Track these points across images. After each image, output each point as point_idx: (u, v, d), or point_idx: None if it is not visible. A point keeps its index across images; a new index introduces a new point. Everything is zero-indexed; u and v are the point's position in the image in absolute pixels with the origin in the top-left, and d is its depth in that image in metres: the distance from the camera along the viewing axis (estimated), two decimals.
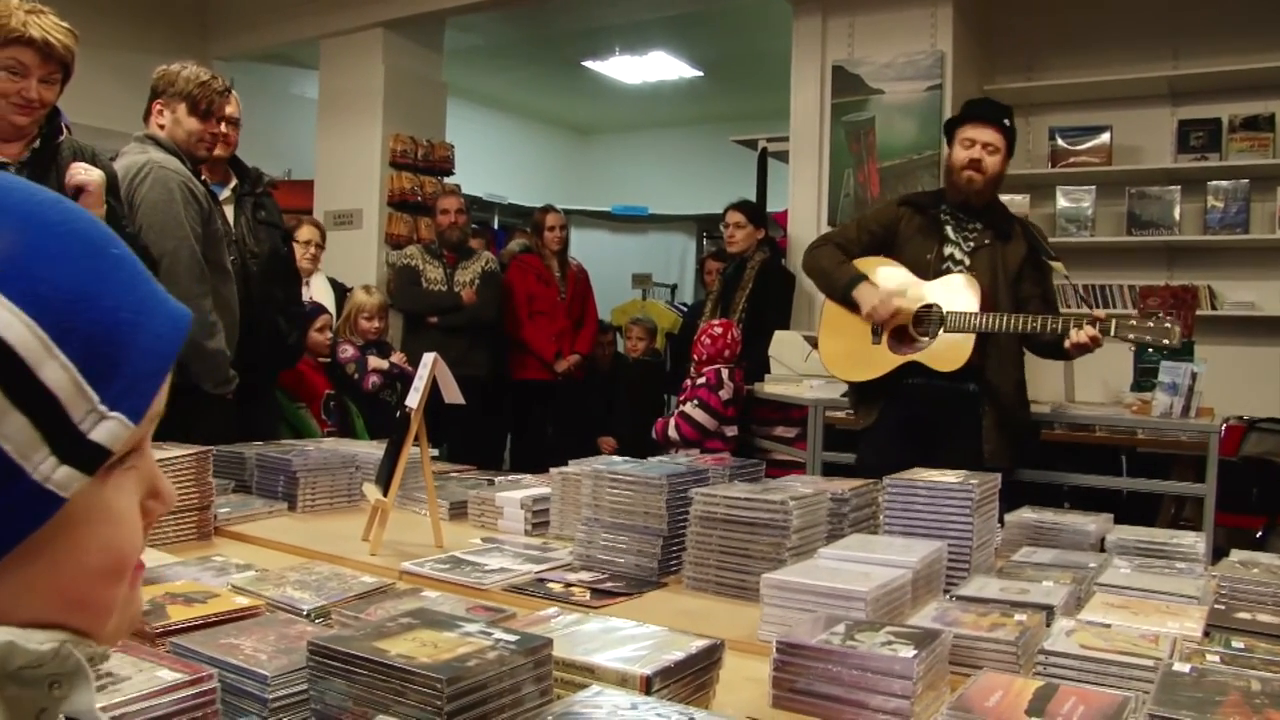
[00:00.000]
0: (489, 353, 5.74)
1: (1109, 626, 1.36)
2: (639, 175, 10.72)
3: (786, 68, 5.82)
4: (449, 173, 7.03)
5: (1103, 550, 1.94)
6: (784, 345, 4.93)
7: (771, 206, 6.47)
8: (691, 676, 1.17)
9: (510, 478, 2.60)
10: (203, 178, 3.33)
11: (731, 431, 4.72)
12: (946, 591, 1.65)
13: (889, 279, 3.34)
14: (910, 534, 1.78)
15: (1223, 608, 1.48)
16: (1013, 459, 3.30)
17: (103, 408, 0.54)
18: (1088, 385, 4.72)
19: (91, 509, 0.56)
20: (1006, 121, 3.34)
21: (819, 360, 3.77)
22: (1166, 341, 3.01)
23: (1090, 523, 2.04)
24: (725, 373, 4.68)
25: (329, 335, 4.70)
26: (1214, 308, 5.18)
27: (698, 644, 1.20)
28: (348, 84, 6.81)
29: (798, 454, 4.53)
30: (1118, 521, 2.12)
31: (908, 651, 1.17)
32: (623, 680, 1.10)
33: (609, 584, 1.74)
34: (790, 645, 1.21)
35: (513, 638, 1.07)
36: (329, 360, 4.73)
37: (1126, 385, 4.33)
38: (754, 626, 1.47)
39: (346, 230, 6.63)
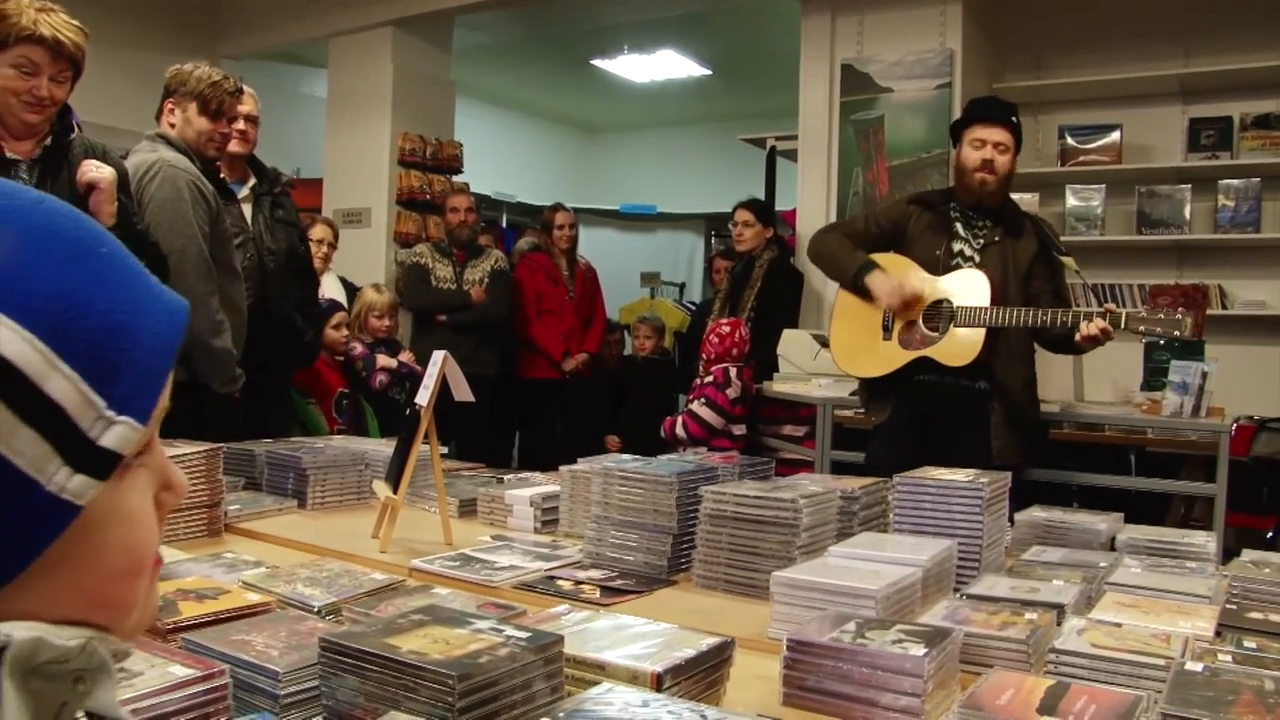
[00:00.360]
0: (498, 351, 5.75)
1: (1120, 626, 1.35)
2: (647, 174, 10.72)
3: (795, 66, 5.82)
4: (457, 171, 7.04)
5: (1113, 549, 1.94)
6: (792, 344, 4.93)
7: (780, 205, 6.46)
8: (702, 674, 1.17)
9: (519, 475, 2.60)
10: (221, 175, 3.35)
11: (739, 430, 4.72)
12: (956, 590, 1.65)
13: (902, 272, 3.33)
14: (920, 532, 1.78)
15: (1234, 607, 1.47)
16: (1022, 456, 3.30)
17: (110, 413, 0.54)
18: (1097, 384, 4.70)
19: (108, 512, 0.56)
20: (1014, 119, 3.34)
21: (827, 359, 3.76)
22: (1177, 333, 3.00)
23: (1101, 522, 2.03)
24: (733, 371, 4.68)
25: (345, 333, 4.70)
26: (1225, 307, 5.16)
27: (708, 641, 1.20)
28: (356, 83, 6.82)
29: (806, 453, 4.53)
30: (1127, 521, 2.11)
31: (918, 650, 1.16)
32: (634, 677, 1.10)
33: (619, 582, 1.74)
34: (801, 643, 1.21)
35: (524, 635, 1.07)
36: (345, 358, 4.72)
37: (1136, 384, 4.32)
38: (764, 624, 1.47)
39: (355, 229, 6.64)
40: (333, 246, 5.11)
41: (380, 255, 6.60)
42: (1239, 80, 5.15)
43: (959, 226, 3.35)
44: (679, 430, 4.67)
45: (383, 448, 2.56)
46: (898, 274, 3.29)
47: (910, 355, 3.27)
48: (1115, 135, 5.46)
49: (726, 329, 4.80)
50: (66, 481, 0.52)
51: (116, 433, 0.54)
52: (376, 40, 6.73)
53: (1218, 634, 1.36)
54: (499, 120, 9.93)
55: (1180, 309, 3.04)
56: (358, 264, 6.19)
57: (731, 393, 4.65)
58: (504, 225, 8.80)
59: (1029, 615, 1.38)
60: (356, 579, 1.58)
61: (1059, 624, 1.39)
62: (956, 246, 3.32)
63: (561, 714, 0.95)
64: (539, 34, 7.93)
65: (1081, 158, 5.53)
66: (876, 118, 5.48)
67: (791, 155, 6.18)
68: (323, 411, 4.23)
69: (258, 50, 7.49)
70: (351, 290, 5.38)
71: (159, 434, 0.62)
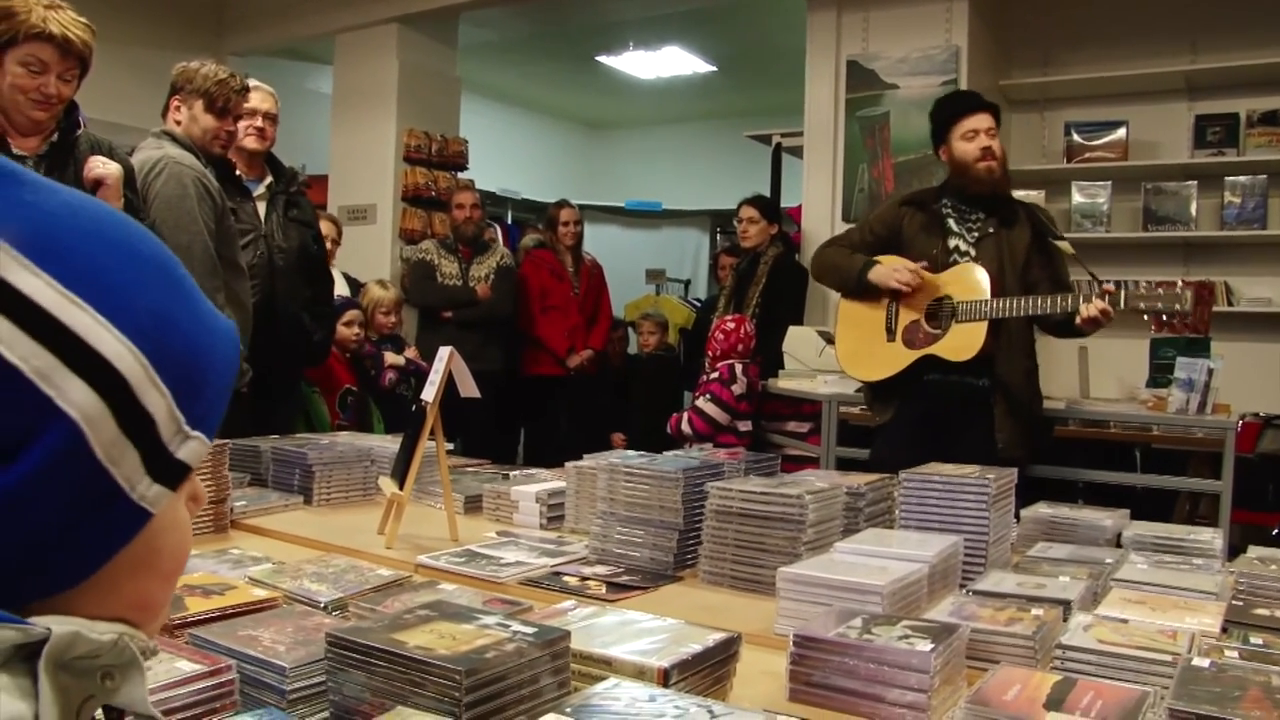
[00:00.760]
0: (503, 348, 5.75)
1: (1126, 622, 1.35)
2: (652, 170, 10.71)
3: (801, 63, 5.81)
4: (463, 168, 7.04)
5: (1119, 546, 1.94)
6: (797, 340, 4.92)
7: (785, 202, 6.45)
8: (709, 669, 1.17)
9: (525, 472, 2.60)
10: (237, 172, 3.35)
11: (745, 426, 4.71)
12: (963, 586, 1.64)
13: None
14: (926, 528, 1.78)
15: (1241, 603, 1.47)
16: (1028, 450, 3.29)
17: (187, 428, 0.57)
18: (1103, 381, 4.70)
19: (165, 519, 0.58)
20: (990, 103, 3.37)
21: (833, 355, 3.76)
22: (1178, 307, 3.01)
23: (1107, 518, 2.03)
24: (739, 368, 4.68)
25: (358, 331, 4.69)
26: (1231, 304, 5.15)
27: (715, 637, 1.21)
28: (362, 79, 6.82)
29: (811, 449, 4.53)
30: (1133, 518, 2.11)
31: (925, 645, 1.16)
32: (640, 673, 1.10)
33: (625, 577, 1.75)
34: (807, 639, 1.21)
35: (530, 630, 1.07)
36: (355, 355, 4.71)
37: (1142, 381, 4.31)
38: (770, 620, 1.47)
39: (361, 225, 6.64)
40: (336, 243, 5.11)
41: (386, 252, 6.60)
42: (1245, 77, 5.13)
43: (951, 223, 3.35)
44: (684, 426, 4.68)
45: (388, 444, 2.57)
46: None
47: (915, 354, 3.27)
48: (1121, 132, 5.45)
49: (731, 325, 4.80)
50: (147, 491, 0.56)
51: (190, 447, 0.58)
52: (382, 37, 6.73)
53: (1224, 630, 1.36)
54: (504, 116, 9.92)
55: (1179, 282, 3.04)
56: (363, 260, 6.19)
57: (737, 389, 4.65)
58: (509, 222, 8.80)
59: (1035, 611, 1.38)
60: (363, 575, 1.58)
61: (1065, 620, 1.39)
62: (952, 243, 3.33)
63: (568, 709, 0.95)
64: (544, 30, 7.92)
65: (1088, 154, 5.51)
66: (882, 114, 5.47)
67: (797, 152, 6.17)
68: (327, 405, 4.23)
69: (263, 47, 7.50)
70: (355, 286, 5.38)
71: None
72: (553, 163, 10.63)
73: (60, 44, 2.40)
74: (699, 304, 7.88)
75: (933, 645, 1.16)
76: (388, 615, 1.17)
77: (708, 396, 4.66)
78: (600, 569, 1.80)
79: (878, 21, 5.52)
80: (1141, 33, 5.40)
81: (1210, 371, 3.59)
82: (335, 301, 4.25)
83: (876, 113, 5.49)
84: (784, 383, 4.75)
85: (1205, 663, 1.15)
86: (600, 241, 7.82)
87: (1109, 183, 5.45)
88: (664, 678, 1.09)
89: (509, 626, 1.08)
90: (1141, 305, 3.04)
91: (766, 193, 6.24)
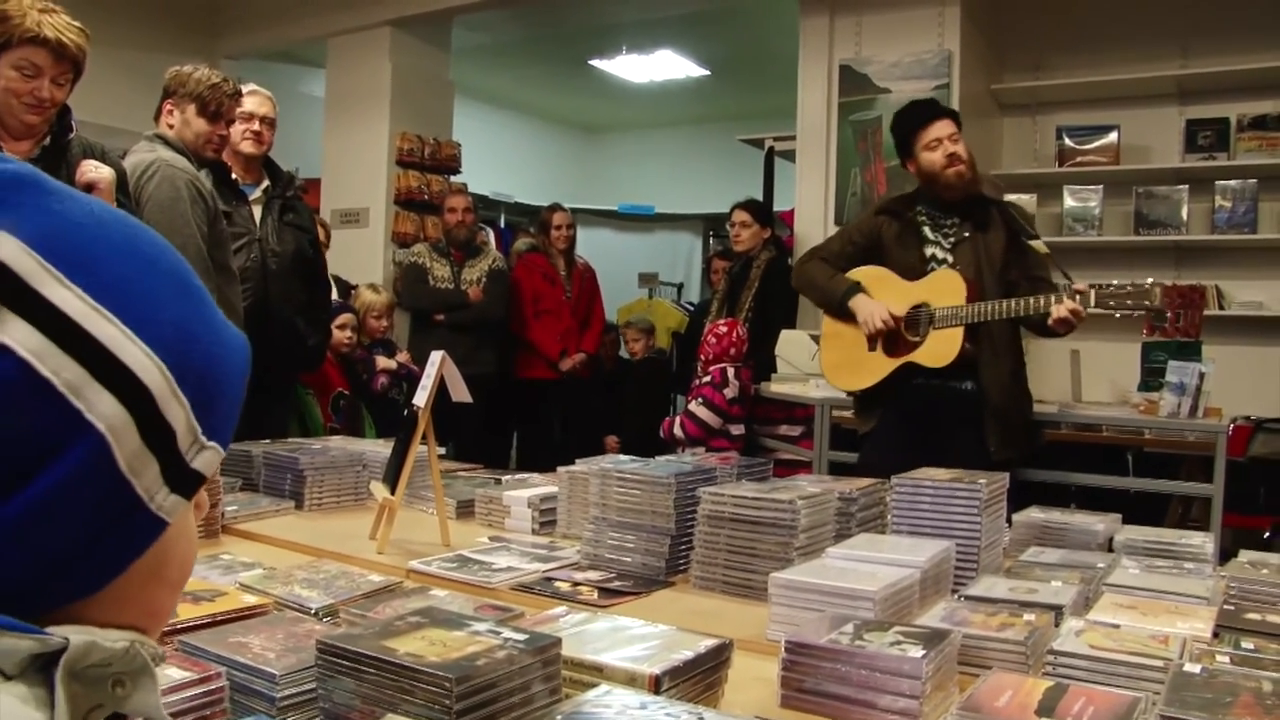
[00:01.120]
0: (495, 351, 5.74)
1: (1118, 627, 1.35)
2: (645, 174, 10.71)
3: (793, 67, 5.81)
4: (455, 171, 7.04)
5: (1111, 550, 1.94)
6: (790, 344, 4.92)
7: (778, 206, 6.46)
8: (700, 676, 1.17)
9: (517, 477, 2.60)
10: (233, 176, 3.34)
11: (737, 430, 4.72)
12: (954, 591, 1.65)
13: (880, 283, 3.34)
14: (918, 534, 1.78)
15: (1232, 608, 1.47)
16: (1018, 452, 3.30)
17: (203, 439, 0.57)
18: (1095, 385, 4.71)
19: (175, 528, 0.59)
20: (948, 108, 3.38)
21: None
22: (1148, 303, 3.01)
23: (1098, 523, 2.03)
24: (731, 371, 4.68)
25: (350, 334, 4.69)
26: (1222, 308, 5.16)
27: (706, 643, 1.20)
28: (355, 83, 6.82)
29: (803, 453, 4.53)
30: (1125, 522, 2.11)
31: (916, 651, 1.16)
32: (631, 679, 1.10)
33: (616, 583, 1.74)
34: (799, 645, 1.21)
35: (521, 637, 1.07)
36: (347, 359, 4.70)
37: (1134, 385, 4.32)
38: (762, 626, 1.47)
39: (353, 229, 6.64)
40: (325, 246, 5.10)
41: (378, 255, 6.60)
42: (1236, 81, 5.15)
43: (927, 230, 3.36)
44: (677, 431, 4.68)
45: (380, 449, 2.56)
46: (879, 289, 3.31)
47: (895, 363, 3.29)
48: (1113, 136, 5.46)
49: (724, 329, 4.80)
50: (165, 501, 0.56)
51: (206, 457, 0.58)
52: (375, 40, 6.73)
53: (1215, 635, 1.36)
54: (497, 120, 9.92)
55: (1149, 279, 3.05)
56: (356, 264, 6.18)
57: (729, 393, 4.65)
58: (502, 225, 8.80)
59: (1027, 616, 1.38)
60: (354, 580, 1.58)
61: (1057, 625, 1.40)
62: (928, 251, 3.34)
63: (559, 716, 0.95)
64: (537, 34, 7.93)
65: (1079, 158, 5.53)
66: (874, 118, 5.48)
67: (790, 156, 6.18)
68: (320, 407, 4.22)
69: (256, 50, 7.49)
70: (345, 288, 5.37)
71: None
72: (546, 166, 10.63)
73: (54, 48, 2.39)
74: (692, 308, 7.88)
75: (924, 651, 1.16)
76: (378, 622, 1.17)
77: (700, 400, 4.66)
78: (592, 574, 1.79)
79: (870, 26, 5.53)
80: (1133, 37, 5.41)
81: (1201, 375, 3.60)
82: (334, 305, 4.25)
83: (869, 117, 5.50)
84: (776, 386, 4.75)
85: (1197, 668, 1.16)
86: (593, 245, 7.82)
87: (1100, 187, 5.46)
88: (655, 684, 1.09)
89: (500, 633, 1.07)
90: (1111, 303, 3.05)
91: (759, 197, 6.24)
